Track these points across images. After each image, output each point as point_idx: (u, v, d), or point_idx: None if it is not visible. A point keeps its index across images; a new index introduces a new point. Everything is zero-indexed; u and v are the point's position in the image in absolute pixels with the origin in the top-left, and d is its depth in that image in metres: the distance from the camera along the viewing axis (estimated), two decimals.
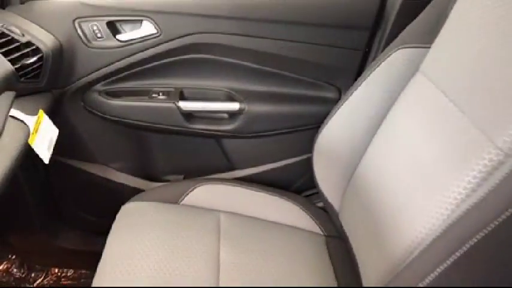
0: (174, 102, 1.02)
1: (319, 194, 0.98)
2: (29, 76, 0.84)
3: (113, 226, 0.87)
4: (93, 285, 0.75)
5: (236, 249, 0.83)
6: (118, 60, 0.98)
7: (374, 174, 0.78)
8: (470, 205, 0.50)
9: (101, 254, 0.81)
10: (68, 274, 1.29)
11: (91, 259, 0.86)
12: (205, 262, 0.79)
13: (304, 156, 1.11)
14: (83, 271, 1.29)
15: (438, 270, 0.50)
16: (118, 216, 0.90)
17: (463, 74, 0.63)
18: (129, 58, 0.97)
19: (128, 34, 0.96)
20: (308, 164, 0.99)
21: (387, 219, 0.70)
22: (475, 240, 0.48)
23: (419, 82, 0.73)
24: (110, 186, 1.15)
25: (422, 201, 0.62)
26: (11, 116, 0.75)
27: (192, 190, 0.97)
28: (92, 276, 0.77)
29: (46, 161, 0.82)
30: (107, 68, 0.98)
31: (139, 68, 1.01)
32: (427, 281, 0.51)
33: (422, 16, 0.78)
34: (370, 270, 0.73)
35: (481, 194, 0.50)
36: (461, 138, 0.59)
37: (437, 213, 0.57)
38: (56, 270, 1.30)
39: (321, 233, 0.95)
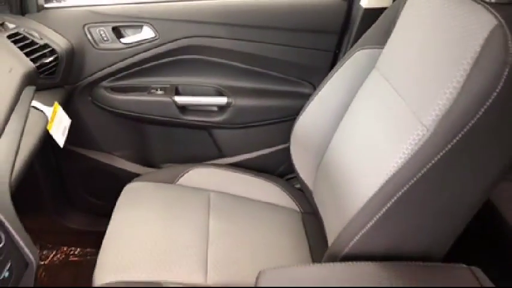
0: (170, 97, 1.12)
1: (297, 177, 1.08)
2: (46, 73, 0.96)
3: (117, 202, 0.98)
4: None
5: (223, 220, 0.95)
6: (121, 60, 1.08)
7: (338, 157, 0.89)
8: (399, 167, 0.64)
9: (105, 234, 0.89)
10: (76, 252, 1.37)
11: (96, 238, 0.94)
12: (197, 230, 0.91)
13: (285, 145, 1.18)
14: (89, 249, 1.37)
15: (374, 219, 0.63)
16: (122, 194, 1.00)
17: (404, 68, 0.76)
18: (131, 58, 1.08)
19: (130, 37, 1.07)
20: (289, 152, 1.08)
21: (346, 192, 0.81)
22: (400, 193, 0.61)
23: (374, 77, 0.86)
24: (113, 172, 1.25)
25: (372, 173, 0.74)
26: (32, 106, 0.87)
27: (186, 172, 1.08)
28: (96, 254, 0.86)
29: (61, 145, 0.93)
30: (112, 67, 1.09)
31: (140, 67, 1.11)
32: (367, 228, 0.64)
33: (378, 22, 0.90)
34: (331, 235, 0.84)
35: (407, 158, 0.63)
36: (400, 120, 0.71)
37: (380, 179, 0.69)
38: (65, 249, 1.37)
39: (298, 210, 1.06)
